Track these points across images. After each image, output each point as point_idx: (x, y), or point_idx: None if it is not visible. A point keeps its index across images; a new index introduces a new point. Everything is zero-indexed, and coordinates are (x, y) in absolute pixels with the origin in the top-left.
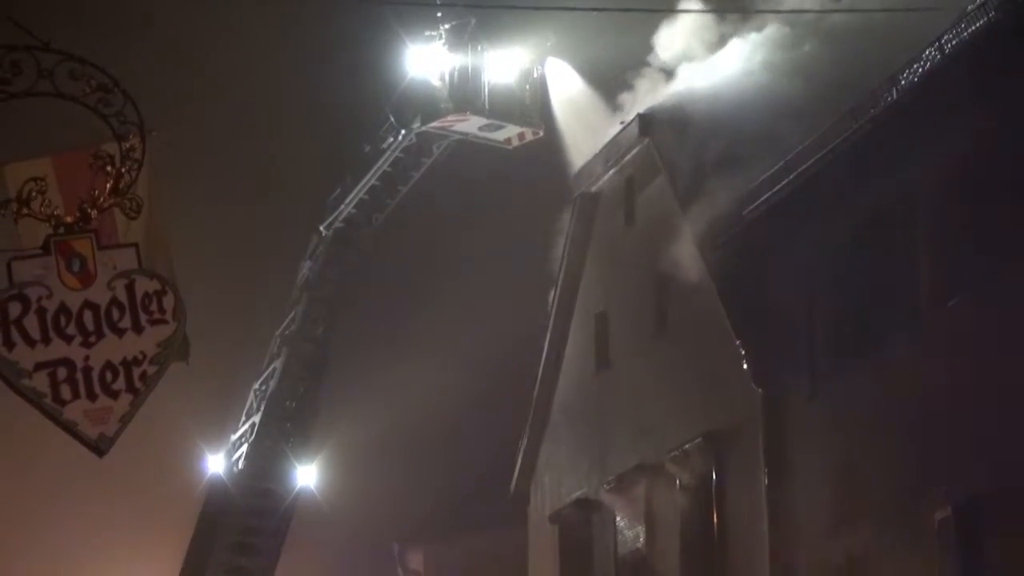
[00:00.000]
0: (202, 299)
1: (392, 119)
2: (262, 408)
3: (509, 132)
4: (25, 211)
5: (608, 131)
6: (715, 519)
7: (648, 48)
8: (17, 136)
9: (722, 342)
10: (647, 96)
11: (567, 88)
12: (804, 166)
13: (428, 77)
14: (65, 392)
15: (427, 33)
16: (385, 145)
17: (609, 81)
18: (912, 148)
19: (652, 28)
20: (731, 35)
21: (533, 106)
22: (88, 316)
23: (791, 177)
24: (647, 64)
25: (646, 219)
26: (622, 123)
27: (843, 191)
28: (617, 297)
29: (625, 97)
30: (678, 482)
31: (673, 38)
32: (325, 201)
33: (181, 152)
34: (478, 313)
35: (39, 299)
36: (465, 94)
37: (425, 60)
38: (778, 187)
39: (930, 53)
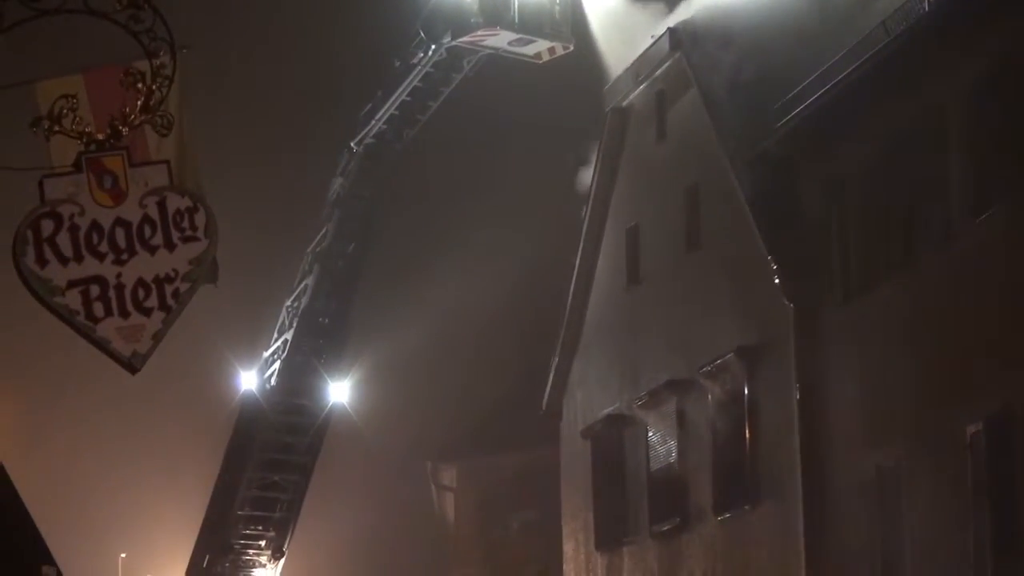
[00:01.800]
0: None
1: (422, 34)
2: (294, 324)
3: (539, 47)
4: (57, 128)
5: (640, 44)
6: (747, 433)
7: None
8: (48, 54)
9: (753, 257)
10: (679, 8)
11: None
12: (836, 79)
13: None
14: (98, 309)
15: None
16: (415, 60)
17: None
18: (944, 61)
19: None
20: None
21: (563, 20)
22: (120, 233)
23: (823, 90)
24: None
25: (677, 134)
26: (652, 37)
27: (875, 105)
28: (648, 212)
29: (656, 9)
30: (710, 397)
31: None
32: (356, 117)
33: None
34: (510, 229)
35: (71, 216)
36: (495, 8)
37: None
38: (810, 100)
39: None
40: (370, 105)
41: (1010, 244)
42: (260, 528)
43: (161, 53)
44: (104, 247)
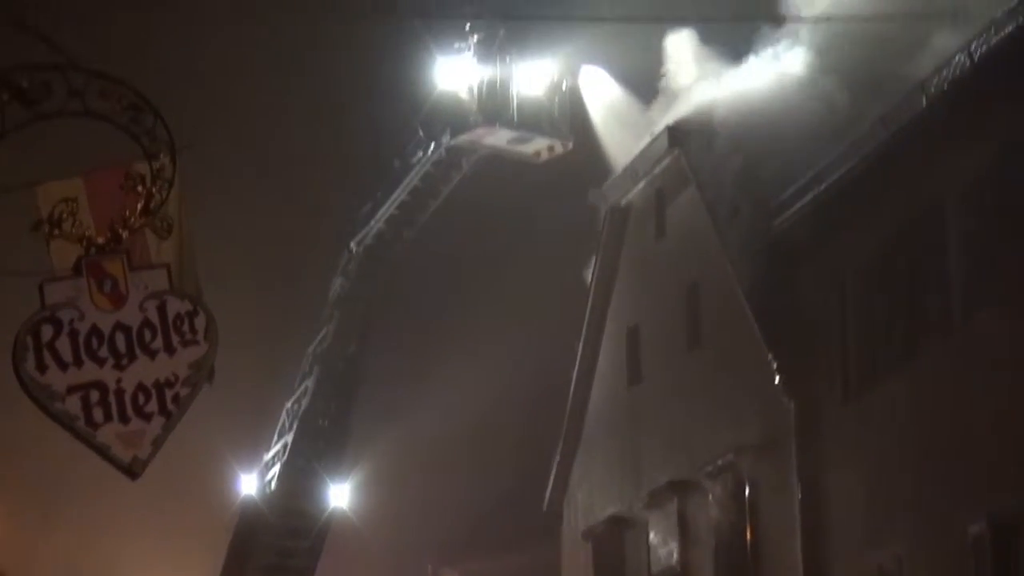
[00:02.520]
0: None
1: (421, 133)
2: (295, 427)
3: (538, 145)
4: (57, 232)
5: (640, 141)
6: (749, 534)
7: (681, 55)
8: (48, 156)
9: (754, 354)
10: (677, 106)
11: (602, 96)
12: (834, 176)
13: (457, 90)
14: (98, 415)
15: (456, 45)
16: (415, 159)
17: (641, 90)
18: (942, 156)
19: (686, 34)
20: (761, 44)
21: (562, 118)
22: (120, 338)
23: (822, 187)
24: (677, 73)
25: (677, 231)
26: (651, 135)
27: (873, 200)
28: (649, 310)
29: (656, 107)
30: (711, 497)
31: (702, 47)
32: (356, 217)
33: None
34: (511, 327)
35: (71, 321)
36: (494, 106)
37: (454, 72)
38: (808, 197)
39: (959, 59)
40: (370, 204)
41: (1011, 340)
42: None
43: (161, 155)
44: (104, 352)
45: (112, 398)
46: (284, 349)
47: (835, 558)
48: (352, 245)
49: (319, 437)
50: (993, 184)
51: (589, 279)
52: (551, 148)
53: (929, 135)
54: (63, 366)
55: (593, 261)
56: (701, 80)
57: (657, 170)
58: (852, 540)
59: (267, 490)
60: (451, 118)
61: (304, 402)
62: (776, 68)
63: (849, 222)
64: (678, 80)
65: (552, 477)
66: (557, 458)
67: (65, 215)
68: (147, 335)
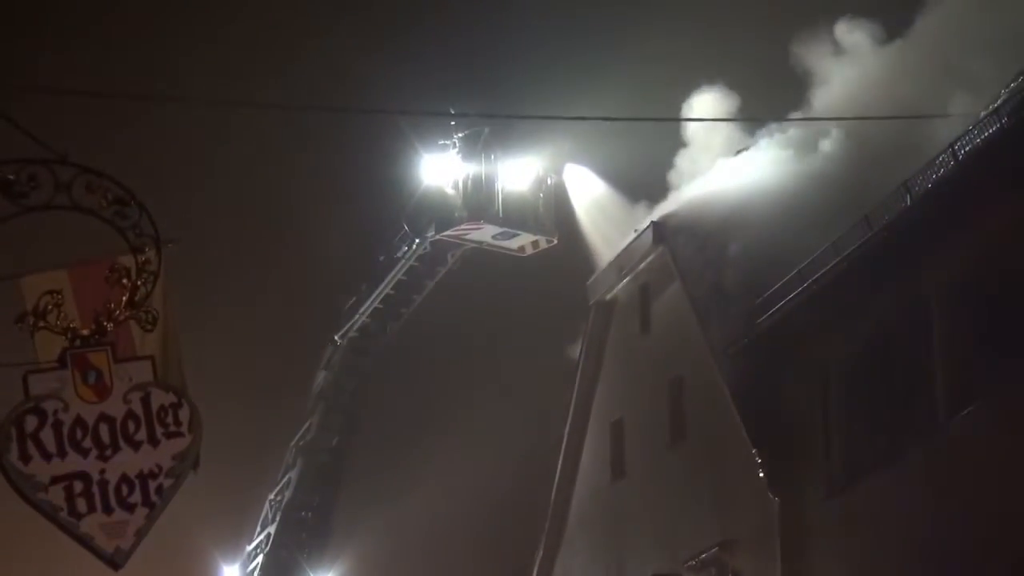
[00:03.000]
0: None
1: (407, 228)
2: (277, 518)
3: (523, 240)
4: (41, 324)
5: (625, 236)
6: None
7: (663, 155)
8: (34, 248)
9: (737, 450)
10: (662, 203)
11: (586, 193)
12: (818, 273)
13: (442, 185)
14: (81, 505)
15: (441, 142)
16: (400, 254)
17: (627, 186)
18: (926, 254)
19: (667, 135)
20: (745, 142)
21: (547, 214)
22: (104, 429)
23: (805, 284)
24: (662, 170)
25: (661, 326)
26: (636, 231)
27: (857, 298)
28: (633, 405)
29: (640, 203)
30: None
31: (687, 146)
32: (340, 311)
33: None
34: (494, 421)
35: (55, 412)
36: (479, 202)
37: (439, 168)
38: (792, 295)
39: (943, 159)
40: (354, 299)
41: (995, 438)
42: None
43: (147, 248)
44: (88, 443)
45: (95, 489)
46: (267, 441)
47: None
48: (336, 338)
49: (302, 528)
50: (978, 282)
51: (575, 372)
52: (536, 243)
53: (913, 233)
54: (47, 456)
55: (578, 354)
56: (686, 177)
57: (642, 265)
58: None
59: None
60: (436, 213)
61: (287, 494)
62: (760, 166)
63: (833, 319)
64: (663, 176)
65: (536, 570)
66: (540, 552)
67: (50, 307)
68: (131, 427)
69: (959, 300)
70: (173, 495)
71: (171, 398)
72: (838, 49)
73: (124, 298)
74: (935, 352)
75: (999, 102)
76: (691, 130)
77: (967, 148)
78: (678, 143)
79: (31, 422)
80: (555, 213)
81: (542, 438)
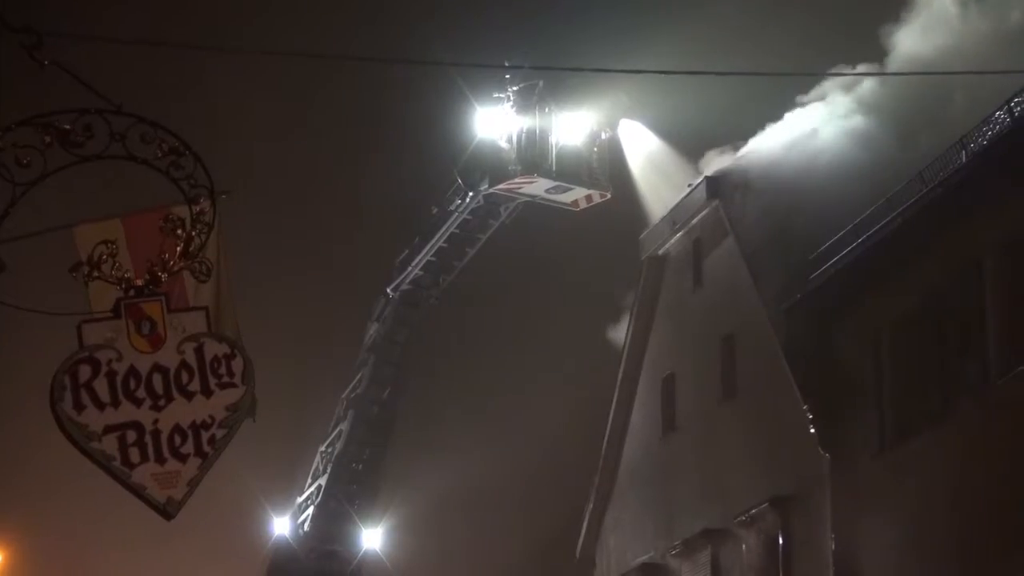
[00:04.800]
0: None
1: (460, 181)
2: (328, 470)
3: (576, 194)
4: (96, 274)
5: (678, 192)
6: None
7: (718, 109)
8: (88, 198)
9: (789, 406)
10: (717, 157)
11: (640, 149)
12: (872, 230)
13: (496, 139)
14: (134, 455)
15: (495, 95)
16: (453, 207)
17: (681, 142)
18: (980, 211)
19: (723, 89)
20: (801, 97)
21: (601, 168)
22: (157, 379)
23: (859, 240)
24: (717, 125)
25: (714, 282)
26: (690, 185)
27: (911, 256)
28: (684, 360)
29: (695, 158)
30: (744, 546)
31: (743, 100)
32: (393, 263)
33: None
34: (546, 375)
35: (109, 362)
36: (533, 156)
37: (493, 122)
38: (846, 251)
39: (999, 116)
40: (407, 251)
41: None
42: None
43: (201, 199)
44: (141, 393)
45: (148, 439)
46: (319, 393)
47: None
48: (388, 291)
49: (353, 480)
50: None
51: (627, 327)
52: (589, 198)
53: (967, 191)
54: (100, 406)
55: (630, 310)
56: (741, 133)
57: (695, 221)
58: None
59: (300, 532)
60: (490, 167)
61: (338, 446)
62: (816, 122)
63: (886, 277)
64: (718, 131)
65: (585, 524)
66: (590, 505)
67: (104, 256)
68: (184, 377)
69: (1013, 258)
70: (226, 446)
71: (224, 349)
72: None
73: (178, 249)
74: (987, 310)
75: None
76: (747, 84)
77: None
78: (733, 98)
79: (85, 372)
80: (609, 168)
81: (594, 393)
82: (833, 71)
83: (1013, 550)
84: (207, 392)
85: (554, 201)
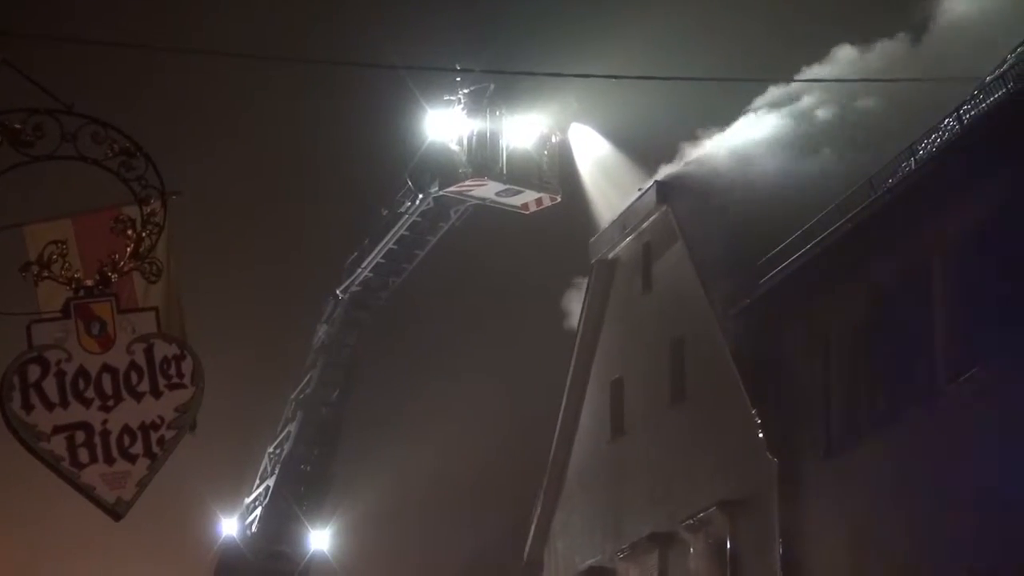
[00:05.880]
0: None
1: (410, 183)
2: (276, 471)
3: (527, 197)
4: (46, 274)
5: (628, 196)
6: None
7: (668, 114)
8: (39, 198)
9: (738, 410)
10: (666, 163)
11: (590, 152)
12: (822, 235)
13: (447, 142)
14: (83, 456)
15: (446, 98)
16: (403, 209)
17: (631, 146)
18: (929, 218)
19: (673, 94)
20: (750, 103)
21: (551, 172)
22: (107, 380)
23: (808, 246)
24: (667, 130)
25: (663, 286)
26: (640, 190)
27: (860, 260)
28: (633, 364)
29: (645, 163)
30: (692, 550)
31: (693, 104)
32: (342, 265)
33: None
34: (495, 378)
35: (58, 362)
36: (483, 159)
37: (444, 125)
38: (796, 255)
39: (949, 123)
40: (356, 253)
41: (993, 403)
42: None
43: (152, 200)
44: (90, 393)
45: (98, 439)
46: (267, 394)
47: None
48: (338, 292)
49: (301, 481)
50: (980, 246)
51: (575, 330)
52: (539, 201)
53: (917, 197)
54: (49, 406)
55: (579, 314)
56: (690, 138)
57: (645, 224)
58: None
59: (248, 532)
60: (440, 169)
61: (287, 447)
62: (766, 128)
63: (835, 282)
64: (668, 136)
65: (533, 527)
66: (538, 508)
67: (54, 256)
68: (134, 377)
69: (961, 265)
70: (175, 446)
71: (174, 350)
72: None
73: (128, 249)
74: (936, 316)
75: (1005, 67)
76: (697, 90)
77: (972, 112)
78: (684, 104)
79: (34, 371)
80: (559, 171)
81: (541, 397)
82: (781, 78)
83: (958, 554)
84: (156, 393)
85: (504, 204)
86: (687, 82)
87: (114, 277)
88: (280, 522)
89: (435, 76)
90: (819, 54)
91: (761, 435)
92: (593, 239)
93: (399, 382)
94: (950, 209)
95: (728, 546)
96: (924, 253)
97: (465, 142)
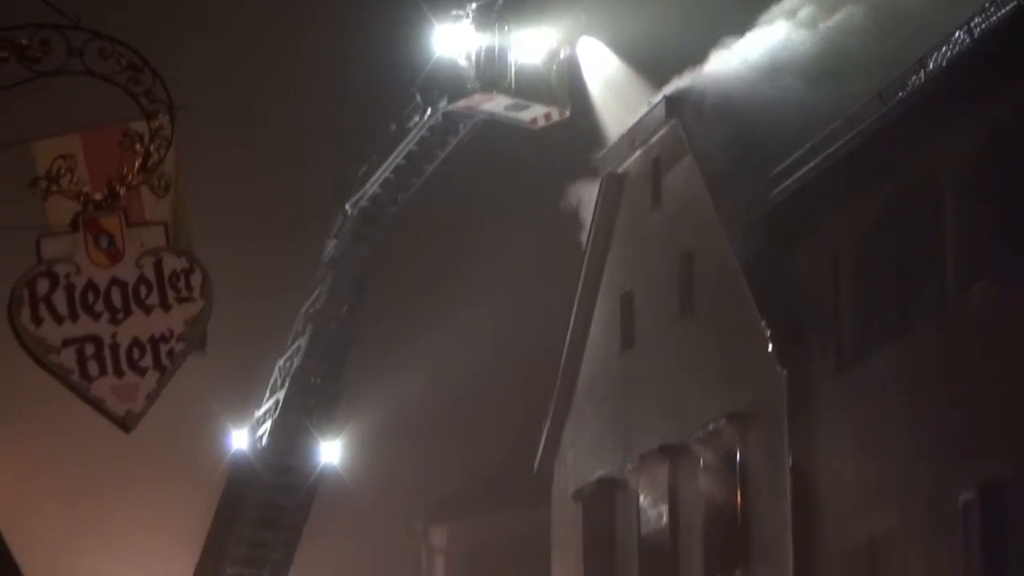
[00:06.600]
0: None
1: (418, 98)
2: (287, 384)
3: (535, 112)
4: (54, 188)
5: (637, 111)
6: (739, 499)
7: (679, 28)
8: (46, 114)
9: (747, 323)
10: (676, 77)
11: (599, 67)
12: (831, 148)
13: (455, 56)
14: (92, 368)
15: (454, 12)
16: (411, 124)
17: (641, 60)
18: (940, 131)
19: (683, 6)
20: (762, 15)
21: (560, 86)
22: (116, 293)
23: (818, 159)
24: (677, 44)
25: (672, 200)
26: (649, 104)
27: (870, 173)
28: (643, 277)
29: (654, 76)
30: (702, 462)
31: (704, 17)
32: (351, 179)
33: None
34: (504, 293)
35: (67, 276)
36: (492, 74)
37: (452, 39)
38: (805, 169)
39: (959, 36)
40: (365, 167)
41: (1003, 314)
42: None
43: (160, 114)
44: (100, 306)
45: (107, 352)
46: (277, 308)
47: (825, 525)
48: (347, 207)
49: (311, 394)
50: (989, 159)
51: (584, 245)
52: (548, 115)
53: (926, 110)
54: (58, 319)
55: (588, 228)
56: (700, 52)
57: (654, 139)
58: (842, 507)
59: (258, 446)
60: (448, 84)
61: (296, 360)
62: (776, 41)
63: (845, 195)
64: (678, 49)
65: (543, 438)
66: (548, 420)
67: (63, 171)
68: (143, 291)
69: (971, 177)
70: (184, 359)
71: (183, 263)
72: None
73: (137, 163)
74: (946, 229)
75: None
76: (709, 1)
77: (983, 26)
78: (694, 17)
79: (43, 285)
80: (568, 86)
81: (552, 310)
82: None
83: (967, 465)
84: (165, 306)
85: (513, 119)
86: None
87: (122, 191)
88: (290, 435)
89: None
90: None
91: (771, 347)
92: (602, 154)
93: (407, 297)
94: (960, 122)
95: (738, 458)
96: (934, 166)
97: (473, 57)
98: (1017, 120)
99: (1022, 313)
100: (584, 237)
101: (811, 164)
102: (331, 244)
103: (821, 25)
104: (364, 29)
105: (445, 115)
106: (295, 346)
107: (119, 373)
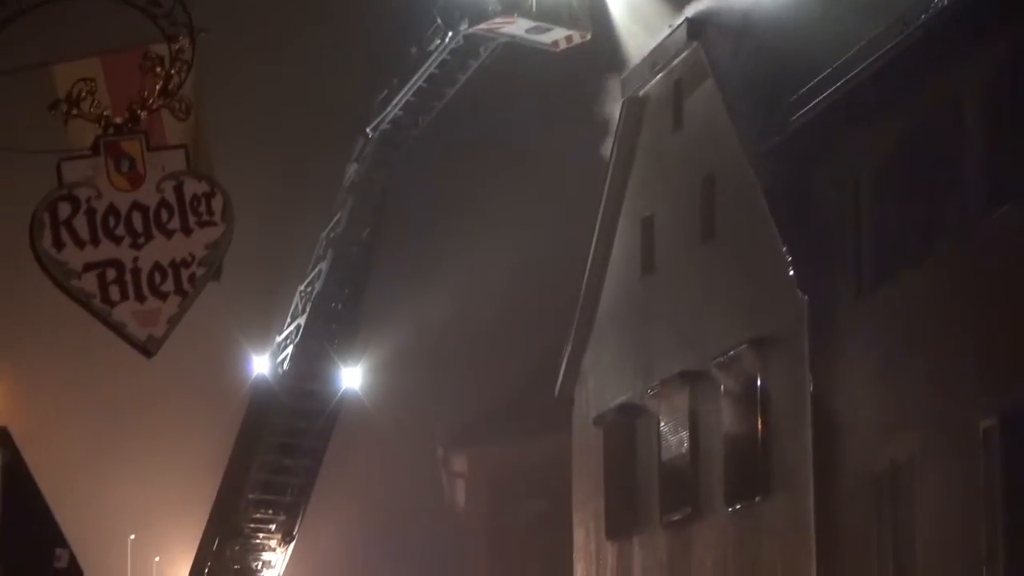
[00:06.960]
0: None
1: (439, 21)
2: (307, 310)
3: (556, 35)
4: (75, 111)
5: (658, 34)
6: (759, 425)
7: None
8: (67, 37)
9: (768, 248)
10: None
11: None
12: (853, 72)
13: None
14: (114, 293)
15: None
16: (432, 47)
17: None
18: (962, 54)
19: None
20: None
21: (581, 8)
22: (137, 217)
23: (840, 83)
24: None
25: (694, 123)
26: (670, 26)
27: (892, 97)
28: (664, 202)
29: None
30: (722, 388)
31: None
32: (371, 103)
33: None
34: (524, 217)
35: (88, 200)
36: None
37: None
38: (827, 93)
39: None
40: (386, 91)
41: None
42: (270, 512)
43: (180, 37)
44: (121, 231)
45: (128, 276)
46: (298, 233)
47: (846, 451)
48: (368, 131)
49: (332, 320)
50: (1012, 80)
51: (605, 170)
52: (569, 38)
53: (948, 32)
54: (80, 244)
55: (609, 151)
56: None
57: (676, 62)
58: (863, 433)
59: (279, 371)
60: (470, 7)
61: (317, 285)
62: None
63: (867, 119)
64: None
65: (564, 364)
66: (569, 345)
67: (84, 94)
68: (164, 215)
69: (994, 100)
70: (205, 284)
71: (204, 187)
72: None
73: (158, 87)
74: (969, 152)
75: None
76: None
77: None
78: None
79: (64, 209)
80: (589, 8)
81: (571, 235)
82: None
83: (990, 391)
84: (187, 230)
85: (534, 41)
86: None
87: (143, 115)
88: (311, 360)
89: None
90: None
91: (792, 272)
92: (623, 77)
93: (431, 220)
94: (983, 44)
95: (758, 384)
96: (956, 90)
97: None
98: None
99: None
100: (605, 161)
101: (833, 87)
102: (352, 168)
103: None
104: None
105: (466, 38)
106: (316, 271)
107: (140, 298)
